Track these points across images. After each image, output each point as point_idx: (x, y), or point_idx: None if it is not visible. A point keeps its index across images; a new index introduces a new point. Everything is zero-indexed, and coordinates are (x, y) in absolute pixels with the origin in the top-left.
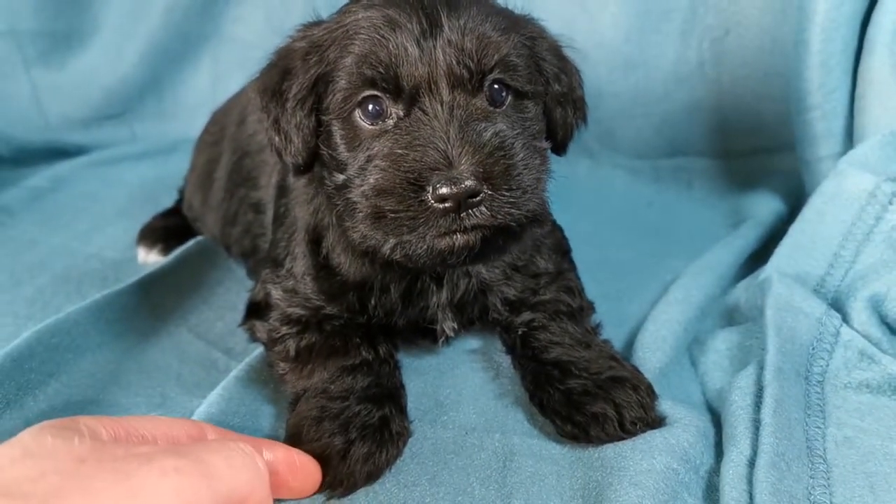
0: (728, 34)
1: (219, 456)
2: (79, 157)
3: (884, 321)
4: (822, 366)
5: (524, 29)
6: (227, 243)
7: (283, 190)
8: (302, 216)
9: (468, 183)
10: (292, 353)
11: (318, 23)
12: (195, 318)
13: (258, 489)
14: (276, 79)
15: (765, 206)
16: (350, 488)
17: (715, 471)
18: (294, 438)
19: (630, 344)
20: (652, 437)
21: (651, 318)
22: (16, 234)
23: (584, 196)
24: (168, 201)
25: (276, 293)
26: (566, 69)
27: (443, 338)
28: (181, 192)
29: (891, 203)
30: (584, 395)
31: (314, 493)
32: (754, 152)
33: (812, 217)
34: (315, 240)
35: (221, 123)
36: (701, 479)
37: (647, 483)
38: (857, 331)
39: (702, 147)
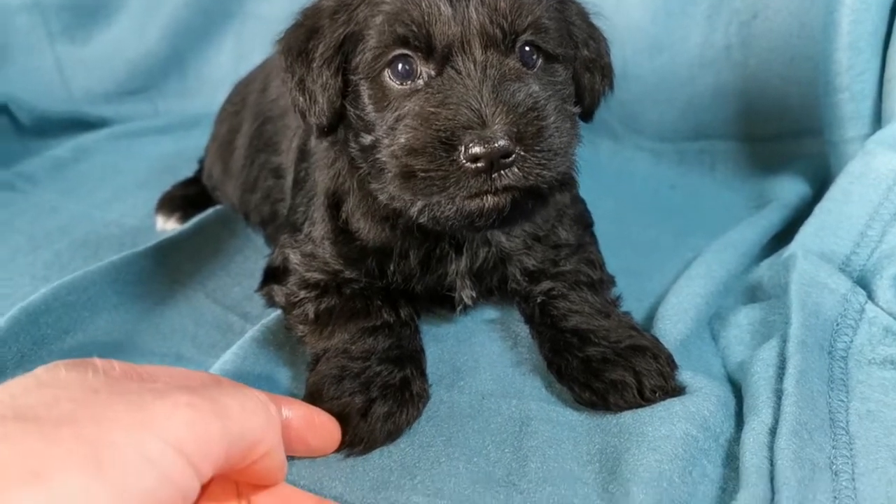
0: (756, 18)
1: (233, 399)
2: (101, 130)
3: None
4: (846, 341)
5: None
6: (247, 210)
7: (303, 153)
8: (322, 180)
9: (502, 142)
10: (311, 315)
11: None
12: (213, 284)
13: (270, 436)
14: (301, 38)
15: (789, 189)
16: (370, 446)
17: (735, 440)
18: (314, 396)
19: (650, 318)
20: (671, 405)
21: (673, 291)
22: (37, 202)
23: (607, 177)
24: (188, 174)
25: (294, 257)
26: (594, 35)
27: (461, 306)
28: (201, 162)
29: None
30: (604, 363)
31: (333, 452)
32: (779, 136)
33: (839, 196)
34: (335, 204)
35: (243, 93)
36: (721, 447)
37: (666, 448)
38: (882, 308)
39: (726, 130)
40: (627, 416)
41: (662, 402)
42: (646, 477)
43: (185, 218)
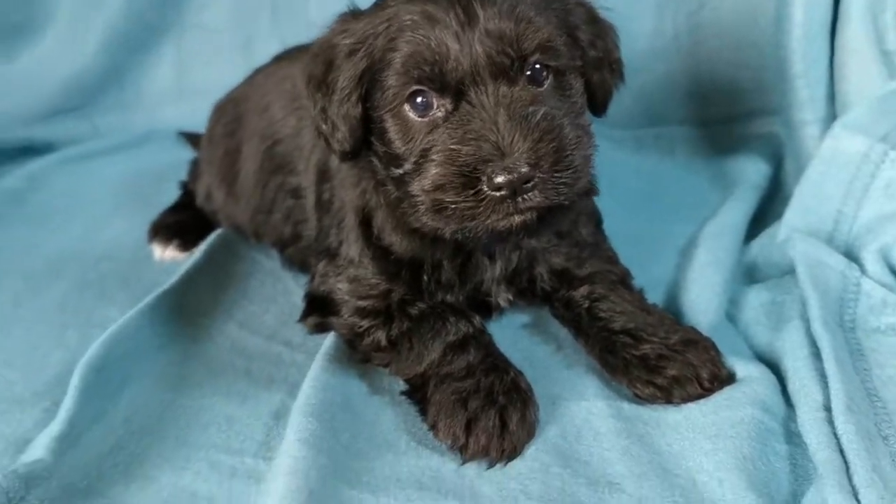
0: (703, 7)
1: None
2: (48, 155)
3: (893, 271)
4: (850, 314)
5: (557, 1)
6: (260, 231)
7: (324, 174)
8: (350, 199)
9: (522, 170)
10: (384, 342)
11: (356, 14)
12: (240, 314)
13: None
14: (320, 69)
15: (751, 169)
16: (514, 452)
17: (789, 417)
18: (444, 426)
19: (668, 307)
20: (731, 393)
21: (691, 281)
22: (10, 238)
23: None
24: (156, 195)
25: (341, 286)
26: (601, 32)
27: (496, 310)
28: (185, 186)
29: (882, 161)
30: (661, 360)
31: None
32: (731, 118)
33: (815, 178)
34: (365, 221)
35: (234, 114)
36: (781, 427)
37: (741, 433)
38: (874, 280)
39: (681, 115)
40: (693, 409)
41: (723, 392)
42: (732, 463)
43: (183, 244)
